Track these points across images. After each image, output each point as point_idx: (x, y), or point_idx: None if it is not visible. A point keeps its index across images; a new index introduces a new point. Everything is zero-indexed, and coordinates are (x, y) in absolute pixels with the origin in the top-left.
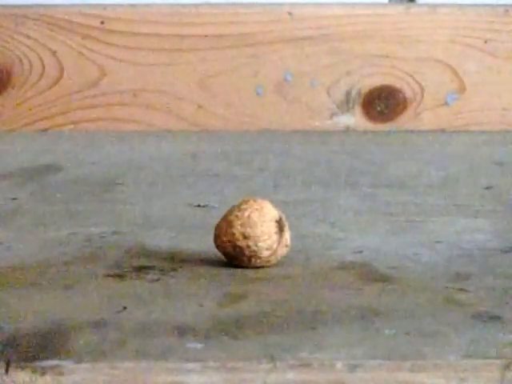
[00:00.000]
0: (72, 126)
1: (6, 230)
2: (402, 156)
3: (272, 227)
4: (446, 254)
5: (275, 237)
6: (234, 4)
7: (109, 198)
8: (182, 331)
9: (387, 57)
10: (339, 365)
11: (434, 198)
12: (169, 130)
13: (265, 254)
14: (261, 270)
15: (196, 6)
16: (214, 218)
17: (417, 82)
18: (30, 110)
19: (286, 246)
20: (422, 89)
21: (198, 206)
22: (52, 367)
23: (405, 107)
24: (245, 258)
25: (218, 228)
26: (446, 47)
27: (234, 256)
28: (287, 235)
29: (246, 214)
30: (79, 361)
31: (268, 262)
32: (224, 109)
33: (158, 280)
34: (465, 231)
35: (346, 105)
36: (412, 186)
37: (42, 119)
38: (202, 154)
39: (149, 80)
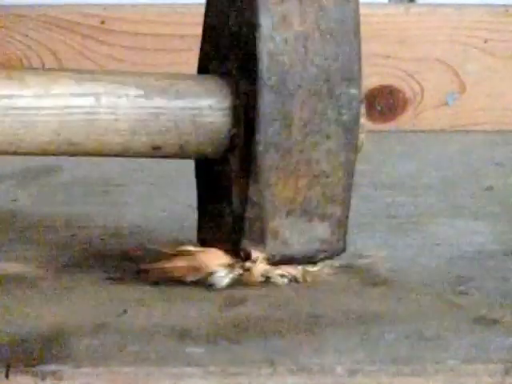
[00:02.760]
0: None
1: (6, 231)
2: (402, 156)
3: None
4: (446, 257)
5: None
6: None
7: (109, 198)
8: (183, 336)
9: (387, 57)
10: (339, 369)
11: (433, 199)
12: None
13: None
14: None
15: (196, 6)
16: None
17: (417, 82)
18: None
19: None
20: (422, 89)
21: None
22: (52, 372)
23: (405, 107)
24: None
25: None
26: (445, 47)
27: None
28: None
29: None
30: (79, 366)
31: None
32: None
33: (158, 283)
34: (465, 233)
35: None
36: (412, 187)
37: None
38: None
39: None
